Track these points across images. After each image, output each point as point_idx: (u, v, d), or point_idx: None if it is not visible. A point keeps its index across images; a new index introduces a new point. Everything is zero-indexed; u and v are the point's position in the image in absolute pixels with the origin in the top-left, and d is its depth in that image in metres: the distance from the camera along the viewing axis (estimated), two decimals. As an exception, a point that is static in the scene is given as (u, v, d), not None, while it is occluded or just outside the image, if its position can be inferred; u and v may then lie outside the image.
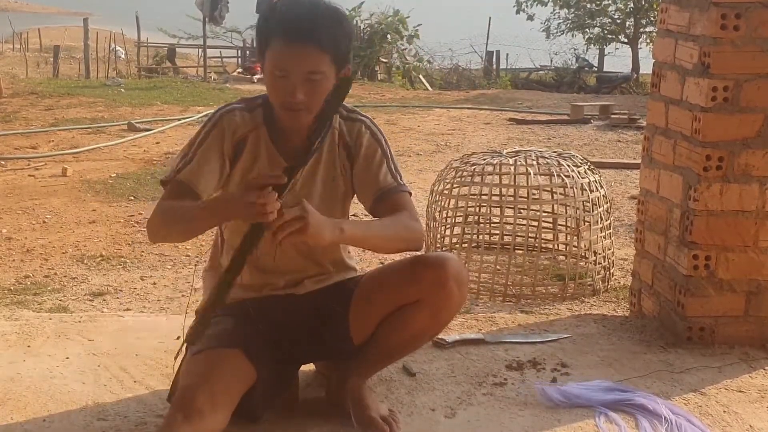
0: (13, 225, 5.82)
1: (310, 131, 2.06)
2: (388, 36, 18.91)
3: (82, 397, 2.43)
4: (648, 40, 21.66)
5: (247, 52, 22.30)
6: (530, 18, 23.61)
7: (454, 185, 4.57)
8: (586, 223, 4.42)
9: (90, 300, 4.38)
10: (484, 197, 4.66)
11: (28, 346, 2.79)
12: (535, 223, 4.57)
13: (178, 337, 2.66)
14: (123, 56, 22.99)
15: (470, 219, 4.84)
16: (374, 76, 18.27)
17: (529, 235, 4.47)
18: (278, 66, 2.12)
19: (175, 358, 2.17)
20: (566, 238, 4.57)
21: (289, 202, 2.01)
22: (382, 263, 4.20)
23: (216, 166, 2.23)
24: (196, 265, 4.79)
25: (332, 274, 2.39)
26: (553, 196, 4.67)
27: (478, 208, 4.74)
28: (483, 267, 4.49)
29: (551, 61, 23.20)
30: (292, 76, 2.11)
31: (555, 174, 4.43)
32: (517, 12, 23.69)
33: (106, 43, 22.68)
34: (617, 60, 23.46)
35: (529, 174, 4.46)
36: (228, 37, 23.22)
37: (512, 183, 4.57)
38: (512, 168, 4.55)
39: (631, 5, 22.15)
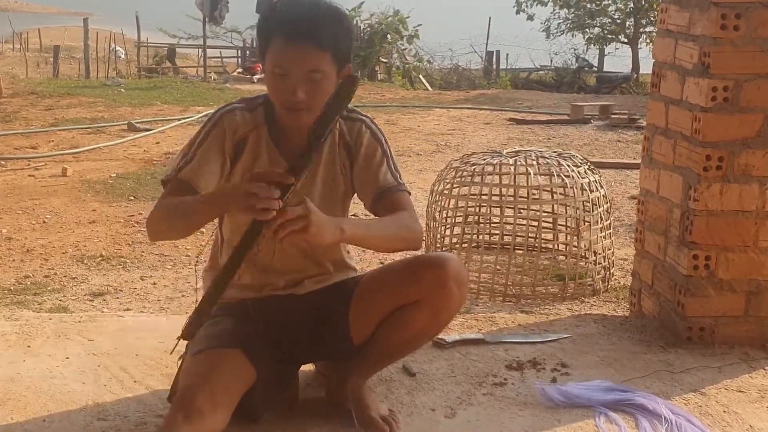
0: (13, 225, 5.83)
1: (312, 131, 2.05)
2: (388, 36, 18.92)
3: (82, 397, 2.43)
4: (648, 40, 21.67)
5: (247, 52, 22.33)
6: (530, 18, 23.62)
7: (454, 185, 4.57)
8: (586, 223, 4.43)
9: (90, 300, 4.38)
10: (484, 197, 4.66)
11: (28, 346, 2.79)
12: (535, 223, 4.57)
13: (178, 338, 2.67)
14: (123, 56, 23.00)
15: (470, 219, 4.85)
16: (374, 76, 18.28)
17: (529, 235, 4.47)
18: (279, 65, 2.12)
19: (176, 356, 2.17)
20: (566, 238, 4.58)
21: (290, 201, 2.01)
22: (382, 263, 4.20)
23: (216, 165, 2.23)
24: (196, 265, 4.79)
25: (332, 274, 2.39)
26: (553, 196, 4.68)
27: (478, 208, 4.74)
28: (483, 267, 4.49)
29: (551, 61, 23.22)
30: (293, 75, 2.12)
31: (555, 174, 4.43)
32: (517, 12, 23.70)
33: (106, 43, 22.69)
34: (617, 60, 23.47)
35: (529, 174, 4.47)
36: (228, 37, 23.24)
37: (512, 183, 4.57)
38: (512, 168, 4.55)
39: (631, 5, 22.16)
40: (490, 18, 23.25)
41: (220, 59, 22.95)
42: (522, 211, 4.53)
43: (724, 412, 2.47)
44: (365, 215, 2.46)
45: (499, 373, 2.67)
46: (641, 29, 22.33)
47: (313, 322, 2.34)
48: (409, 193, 2.33)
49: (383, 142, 2.32)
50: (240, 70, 19.97)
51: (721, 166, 2.82)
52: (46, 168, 7.80)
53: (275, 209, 1.92)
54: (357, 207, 2.50)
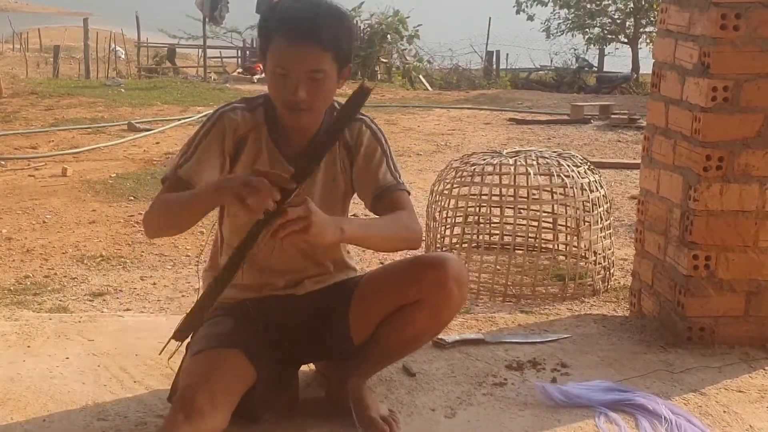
0: (13, 225, 5.82)
1: (319, 139, 2.01)
2: (388, 36, 18.91)
3: (82, 397, 2.43)
4: (648, 40, 21.67)
5: (247, 52, 22.34)
6: (530, 18, 23.62)
7: (454, 185, 4.57)
8: (586, 223, 4.43)
9: (90, 300, 4.38)
10: (484, 197, 4.66)
11: (28, 346, 2.79)
12: (535, 223, 4.57)
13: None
14: (123, 56, 23.00)
15: (470, 219, 4.85)
16: (374, 76, 18.26)
17: (529, 235, 4.47)
18: (280, 64, 2.12)
19: (168, 356, 2.17)
20: (566, 238, 4.58)
21: (291, 201, 2.01)
22: (382, 263, 4.20)
23: (216, 163, 2.22)
24: (196, 265, 4.79)
25: (332, 274, 2.40)
26: (553, 196, 4.67)
27: (478, 208, 4.74)
28: (483, 267, 4.49)
29: (551, 61, 23.22)
30: (294, 75, 2.12)
31: (555, 174, 4.43)
32: (517, 12, 23.70)
33: (106, 43, 22.69)
34: (617, 60, 23.47)
35: (529, 174, 4.47)
36: (228, 37, 23.24)
37: (512, 183, 4.57)
38: (512, 168, 4.55)
39: (631, 5, 22.16)
40: (490, 18, 23.25)
41: (220, 59, 22.96)
42: (522, 211, 4.53)
43: (724, 412, 2.48)
44: (365, 215, 2.46)
45: (499, 373, 2.67)
46: (641, 29, 22.33)
47: (313, 322, 2.34)
48: (409, 193, 2.33)
49: (383, 141, 2.32)
50: (240, 70, 19.97)
51: (721, 166, 2.82)
52: (46, 168, 7.80)
53: (268, 207, 1.90)
54: (357, 207, 2.50)
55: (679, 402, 2.51)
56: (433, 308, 2.25)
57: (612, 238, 4.57)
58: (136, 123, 10.02)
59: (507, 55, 23.59)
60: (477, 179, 4.51)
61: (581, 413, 2.42)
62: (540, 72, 22.96)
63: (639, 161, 3.53)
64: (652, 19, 21.14)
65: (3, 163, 7.94)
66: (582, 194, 4.37)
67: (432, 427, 2.33)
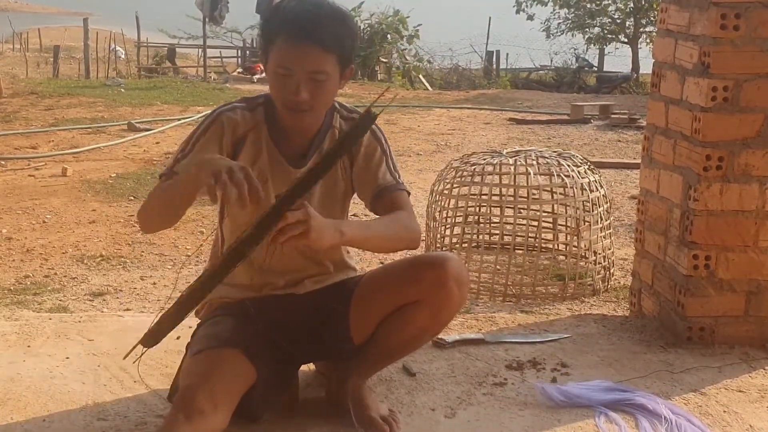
0: (13, 225, 5.82)
1: (320, 161, 1.97)
2: (388, 36, 18.92)
3: (82, 397, 2.43)
4: (648, 40, 21.68)
5: (247, 52, 22.33)
6: (530, 18, 23.62)
7: (454, 185, 4.57)
8: (586, 223, 4.43)
9: (90, 300, 4.38)
10: (484, 197, 4.66)
11: (28, 346, 2.79)
12: (535, 223, 4.58)
13: (178, 338, 2.66)
14: (123, 56, 23.00)
15: (470, 219, 4.85)
16: (374, 76, 18.28)
17: (529, 235, 4.47)
18: (282, 65, 2.12)
19: (174, 356, 2.16)
20: (566, 238, 4.58)
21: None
22: (382, 263, 4.20)
23: None
24: (197, 265, 4.79)
25: (332, 273, 2.40)
26: (553, 196, 4.68)
27: (478, 208, 4.74)
28: (483, 267, 4.49)
29: (551, 61, 23.23)
30: (296, 75, 2.11)
31: (555, 174, 4.43)
32: (517, 12, 23.71)
33: (106, 43, 22.69)
34: (617, 60, 23.47)
35: (529, 174, 4.47)
36: (228, 37, 23.23)
37: (512, 183, 4.57)
38: (512, 168, 4.55)
39: (631, 5, 22.16)
40: (490, 18, 23.26)
41: (220, 59, 22.95)
42: (522, 211, 4.53)
43: (724, 411, 2.48)
44: (365, 215, 2.46)
45: (499, 373, 2.67)
46: (641, 29, 22.34)
47: (313, 321, 2.34)
48: (409, 193, 2.33)
49: (383, 141, 2.32)
50: (240, 70, 19.97)
51: (721, 166, 2.82)
52: (46, 168, 7.80)
53: (238, 192, 1.86)
54: (357, 207, 2.50)
55: (679, 402, 2.51)
56: (433, 308, 2.25)
57: (612, 238, 4.57)
58: (136, 123, 10.01)
59: (507, 54, 23.60)
60: (477, 179, 4.51)
61: (581, 413, 2.42)
62: (540, 72, 22.96)
63: (639, 161, 3.53)
64: (652, 18, 21.14)
65: (3, 163, 7.94)
66: (582, 194, 4.37)
67: (432, 427, 2.33)
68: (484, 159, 4.62)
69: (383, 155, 2.31)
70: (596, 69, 22.73)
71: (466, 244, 4.73)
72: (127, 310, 4.17)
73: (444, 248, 4.65)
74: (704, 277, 2.89)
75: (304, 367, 2.47)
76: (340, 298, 2.34)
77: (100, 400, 2.42)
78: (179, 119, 10.41)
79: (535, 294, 4.32)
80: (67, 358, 2.70)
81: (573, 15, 23.23)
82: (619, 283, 4.54)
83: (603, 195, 4.48)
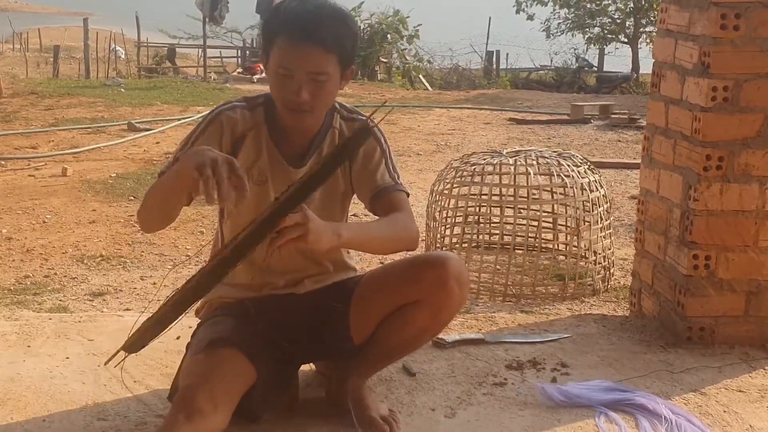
0: (13, 225, 5.82)
1: (312, 174, 1.93)
2: (388, 36, 18.92)
3: (82, 397, 2.43)
4: (648, 40, 21.68)
5: (247, 52, 22.33)
6: (530, 18, 23.62)
7: (454, 185, 4.57)
8: (586, 223, 4.43)
9: (90, 300, 4.38)
10: (484, 197, 4.66)
11: (28, 346, 2.79)
12: (535, 223, 4.58)
13: (178, 338, 2.66)
14: (123, 56, 23.00)
15: (470, 219, 4.85)
16: (374, 76, 18.28)
17: (529, 235, 4.47)
18: (283, 65, 2.12)
19: (175, 356, 2.16)
20: (566, 238, 4.58)
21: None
22: (382, 263, 4.20)
23: None
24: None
25: (332, 273, 2.40)
26: (553, 196, 4.68)
27: (478, 208, 4.74)
28: (483, 267, 4.49)
29: (551, 61, 23.23)
30: (297, 76, 2.11)
31: (555, 174, 4.43)
32: (517, 12, 23.70)
33: (106, 43, 22.69)
34: (617, 60, 23.47)
35: (529, 174, 4.47)
36: (228, 37, 23.23)
37: (512, 183, 4.57)
38: (512, 168, 4.55)
39: (631, 5, 22.16)
40: (490, 18, 23.26)
41: (220, 59, 22.95)
42: (522, 211, 4.53)
43: (724, 411, 2.48)
44: (365, 215, 2.46)
45: (499, 373, 2.67)
46: (641, 29, 22.34)
47: (313, 321, 2.34)
48: (408, 194, 2.32)
49: (382, 142, 2.32)
50: (240, 70, 19.97)
51: (721, 166, 2.82)
52: (46, 168, 7.80)
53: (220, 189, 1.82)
54: (357, 207, 2.50)
55: (679, 402, 2.51)
56: (433, 308, 2.25)
57: (612, 238, 4.57)
58: (136, 123, 10.01)
59: (507, 54, 23.60)
60: (477, 179, 4.51)
61: (581, 413, 2.42)
62: (540, 72, 22.96)
63: (639, 161, 3.53)
64: (652, 18, 21.14)
65: (3, 163, 7.94)
66: (582, 194, 4.37)
67: (432, 427, 2.33)
68: (484, 159, 4.62)
69: (382, 156, 2.31)
70: (596, 69, 22.73)
71: (466, 244, 4.73)
72: (127, 310, 4.17)
73: (444, 248, 4.64)
74: (704, 277, 2.89)
75: (304, 367, 2.47)
76: (340, 297, 2.34)
77: (100, 400, 2.42)
78: (179, 119, 10.41)
79: (535, 294, 4.31)
80: (67, 358, 2.70)
81: (573, 15, 23.23)
82: (619, 283, 4.54)
83: (603, 195, 4.48)
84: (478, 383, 2.59)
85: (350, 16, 2.20)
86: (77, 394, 2.46)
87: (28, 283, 4.67)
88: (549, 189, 4.62)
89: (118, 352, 1.98)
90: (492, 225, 4.71)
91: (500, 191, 4.58)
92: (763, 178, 2.84)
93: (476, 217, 4.85)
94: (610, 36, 23.19)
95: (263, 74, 14.71)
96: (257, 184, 2.26)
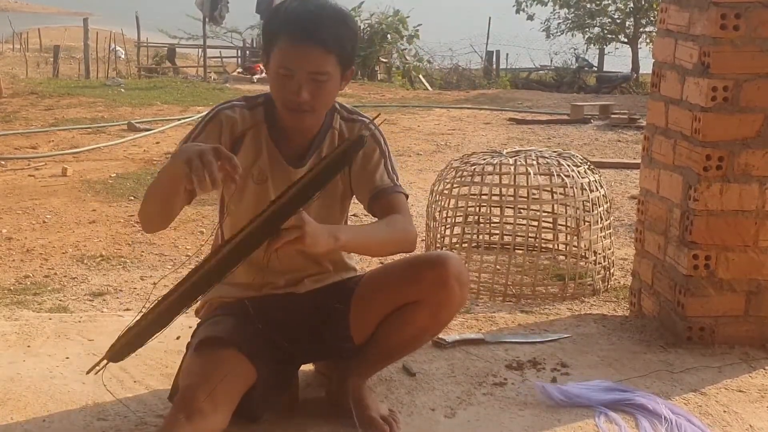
0: (13, 225, 5.82)
1: (306, 184, 1.92)
2: (388, 36, 18.92)
3: (82, 397, 2.43)
4: (648, 40, 21.68)
5: (247, 52, 22.33)
6: (530, 18, 23.63)
7: (454, 185, 4.57)
8: (586, 223, 4.43)
9: (90, 300, 4.38)
10: (484, 197, 4.66)
11: (28, 346, 2.79)
12: (535, 223, 4.58)
13: (178, 338, 2.67)
14: (123, 56, 23.00)
15: (470, 219, 4.85)
16: (374, 76, 18.28)
17: (529, 235, 4.47)
18: (283, 65, 2.12)
19: (175, 356, 2.16)
20: (566, 238, 4.58)
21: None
22: (381, 263, 4.20)
23: None
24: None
25: (332, 273, 2.40)
26: (553, 196, 4.68)
27: (478, 208, 4.74)
28: (483, 267, 4.49)
29: (551, 61, 23.23)
30: (297, 76, 2.12)
31: (555, 174, 4.43)
32: (517, 12, 23.71)
33: (106, 43, 22.69)
34: (617, 60, 23.47)
35: (529, 174, 4.47)
36: (228, 37, 23.24)
37: (512, 183, 4.57)
38: (512, 168, 4.56)
39: (631, 5, 22.16)
40: (490, 18, 23.26)
41: (220, 59, 22.95)
42: (522, 211, 4.53)
43: (724, 411, 2.48)
44: (365, 215, 2.46)
45: (499, 373, 2.67)
46: (641, 29, 22.34)
47: (313, 321, 2.34)
48: (407, 196, 2.32)
49: (382, 143, 2.32)
50: (240, 70, 19.97)
51: (721, 166, 2.82)
52: (46, 168, 7.80)
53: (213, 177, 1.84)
54: (357, 207, 2.50)
55: (679, 402, 2.51)
56: (433, 308, 2.25)
57: (612, 238, 4.57)
58: (136, 123, 10.01)
59: (507, 54, 23.60)
60: (477, 179, 4.51)
61: (581, 413, 2.42)
62: (540, 72, 22.97)
63: (639, 161, 3.53)
64: (652, 18, 21.14)
65: (3, 163, 7.94)
66: (582, 194, 4.37)
67: (432, 427, 2.33)
68: (484, 159, 4.62)
69: (382, 157, 2.31)
70: (596, 69, 22.73)
71: (466, 244, 4.73)
72: (127, 310, 4.17)
73: (444, 248, 4.64)
74: (704, 277, 2.89)
75: (304, 367, 2.47)
76: (340, 297, 2.34)
77: (100, 400, 2.41)
78: (179, 119, 10.41)
79: (535, 294, 4.31)
80: (67, 358, 2.70)
81: (573, 15, 23.23)
82: (619, 283, 4.54)
83: (603, 195, 4.48)
84: (478, 383, 2.59)
85: (350, 17, 2.21)
86: (77, 394, 2.46)
87: (28, 283, 4.67)
88: (549, 189, 4.62)
89: (101, 361, 1.98)
90: (492, 225, 4.71)
91: (500, 191, 4.59)
92: (763, 178, 2.84)
93: (476, 217, 4.85)
94: (610, 36, 23.19)
95: (263, 74, 14.72)
96: (257, 184, 2.26)
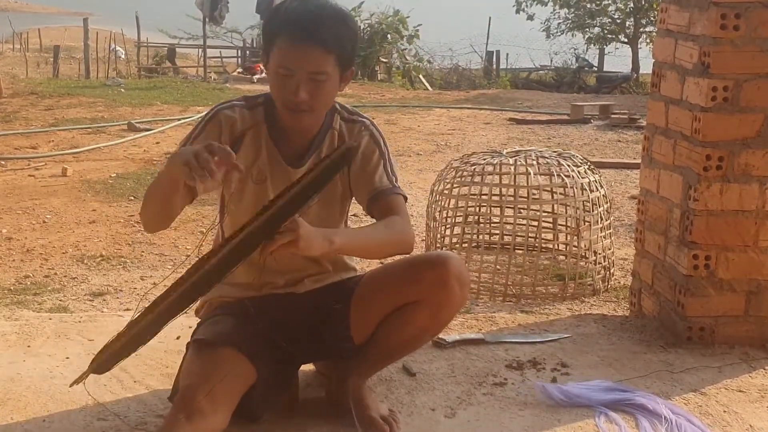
0: (13, 225, 5.82)
1: (297, 194, 1.92)
2: (388, 36, 18.92)
3: (82, 397, 2.43)
4: (648, 40, 21.68)
5: (247, 52, 22.33)
6: (530, 18, 23.63)
7: (454, 185, 4.57)
8: (586, 223, 4.43)
9: (90, 300, 4.38)
10: (484, 197, 4.66)
11: (28, 346, 2.79)
12: (535, 223, 4.58)
13: (178, 337, 2.67)
14: (123, 56, 23.00)
15: (470, 219, 4.85)
16: (374, 76, 18.28)
17: (529, 235, 4.47)
18: (283, 65, 2.13)
19: (176, 356, 2.16)
20: (566, 238, 4.58)
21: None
22: (382, 263, 4.20)
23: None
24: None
25: (332, 273, 2.40)
26: (553, 196, 4.68)
27: (478, 208, 4.74)
28: (483, 267, 4.49)
29: (551, 61, 23.23)
30: (297, 76, 2.12)
31: (555, 174, 4.43)
32: (517, 12, 23.71)
33: (106, 43, 22.69)
34: (617, 60, 23.47)
35: (529, 174, 4.47)
36: (228, 37, 23.24)
37: (512, 183, 4.57)
38: (512, 168, 4.55)
39: (631, 5, 22.16)
40: (490, 18, 23.26)
41: (220, 59, 22.96)
42: (522, 211, 4.53)
43: (724, 411, 2.48)
44: (366, 215, 2.46)
45: (499, 373, 2.67)
46: (641, 29, 22.34)
47: (313, 321, 2.34)
48: (406, 198, 2.31)
49: (382, 145, 2.32)
50: (240, 70, 19.97)
51: (721, 166, 2.82)
52: (46, 168, 7.80)
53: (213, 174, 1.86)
54: (358, 207, 2.50)
55: (679, 402, 2.51)
56: (433, 308, 2.25)
57: (612, 238, 4.57)
58: (136, 123, 10.01)
59: (507, 54, 23.60)
60: (477, 179, 4.51)
61: (581, 413, 2.42)
62: (540, 72, 22.96)
63: (639, 161, 3.53)
64: (652, 18, 21.14)
65: (3, 163, 7.94)
66: (582, 194, 4.37)
67: (432, 427, 2.33)
68: (484, 159, 4.62)
69: (381, 158, 2.31)
70: (596, 69, 22.73)
71: (466, 244, 4.73)
72: (127, 310, 4.16)
73: (444, 248, 4.64)
74: (704, 277, 2.89)
75: (304, 367, 2.47)
76: (340, 297, 2.35)
77: (100, 400, 2.41)
78: (179, 119, 10.41)
79: (535, 294, 4.31)
80: (67, 358, 2.70)
81: (573, 15, 23.23)
82: (619, 283, 4.54)
83: (603, 195, 4.48)
84: (478, 383, 2.59)
85: (350, 17, 2.21)
86: (77, 394, 2.45)
87: (28, 283, 4.67)
88: (549, 189, 4.62)
89: (85, 373, 1.98)
90: (492, 225, 4.71)
91: (500, 191, 4.58)
92: (763, 178, 2.84)
93: (476, 217, 4.85)
94: (610, 36, 23.19)
95: (263, 74, 14.72)
96: (256, 184, 2.27)
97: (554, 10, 23.56)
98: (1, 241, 5.43)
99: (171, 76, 19.02)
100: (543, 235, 4.71)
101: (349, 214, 2.44)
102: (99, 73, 19.83)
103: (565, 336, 2.99)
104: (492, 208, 4.66)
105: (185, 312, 1.94)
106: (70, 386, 2.05)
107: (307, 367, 2.53)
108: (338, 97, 2.29)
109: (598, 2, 22.70)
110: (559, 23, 23.71)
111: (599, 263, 4.44)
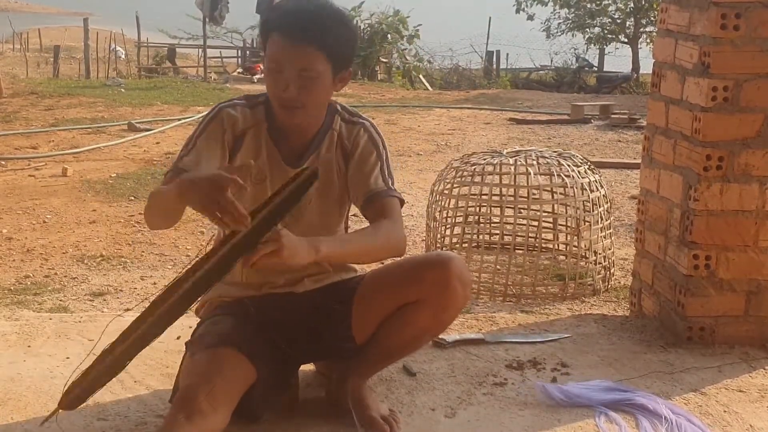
0: (13, 225, 5.82)
1: (270, 213, 1.94)
2: (388, 36, 18.92)
3: (82, 397, 2.43)
4: (648, 40, 21.68)
5: (247, 52, 22.33)
6: (530, 18, 23.63)
7: (455, 185, 4.57)
8: (586, 223, 4.43)
9: (90, 300, 4.38)
10: (484, 197, 4.66)
11: (28, 346, 2.79)
12: (535, 223, 4.58)
13: (178, 337, 2.67)
14: (123, 56, 23.00)
15: (470, 219, 4.85)
16: (374, 76, 18.28)
17: (529, 235, 4.47)
18: (273, 60, 2.15)
19: (176, 356, 2.16)
20: (566, 238, 4.58)
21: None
22: (382, 263, 4.20)
23: (216, 154, 2.22)
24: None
25: (331, 273, 2.39)
26: (553, 196, 4.68)
27: (478, 208, 4.74)
28: (483, 267, 4.49)
29: (551, 61, 23.23)
30: (286, 72, 2.13)
31: (555, 174, 4.43)
32: (517, 12, 23.71)
33: (106, 43, 22.70)
34: (617, 60, 23.47)
35: (530, 174, 4.47)
36: (228, 37, 23.24)
37: (512, 183, 4.57)
38: (512, 168, 4.56)
39: (631, 5, 22.16)
40: (490, 18, 23.26)
41: (220, 59, 22.96)
42: (522, 211, 4.53)
43: (725, 411, 2.48)
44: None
45: (499, 372, 2.67)
46: (641, 29, 22.34)
47: (312, 320, 2.34)
48: (401, 200, 2.31)
49: (380, 146, 2.32)
50: (240, 70, 19.98)
51: (721, 166, 2.82)
52: (46, 168, 7.80)
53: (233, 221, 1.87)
54: (357, 207, 2.50)
55: (679, 402, 2.51)
56: (435, 308, 2.25)
57: (612, 238, 4.57)
58: (136, 123, 10.01)
59: (507, 55, 23.60)
60: (477, 179, 4.52)
61: (581, 413, 2.42)
62: (540, 72, 22.97)
63: (639, 161, 3.53)
64: (652, 18, 21.14)
65: (3, 163, 7.94)
66: (582, 194, 4.37)
67: (432, 427, 2.33)
68: (484, 159, 4.62)
69: (378, 160, 2.31)
70: (596, 69, 22.73)
71: (466, 244, 4.74)
72: (128, 310, 4.15)
73: (444, 248, 4.65)
74: (704, 277, 2.89)
75: (304, 367, 2.47)
76: (341, 297, 2.34)
77: (100, 400, 2.41)
78: (179, 119, 10.41)
79: (535, 294, 4.32)
80: (68, 358, 2.70)
81: (573, 15, 23.23)
82: (619, 283, 4.54)
83: (603, 195, 4.48)
84: (478, 383, 2.59)
85: (347, 17, 2.22)
86: (77, 394, 2.45)
87: (29, 283, 4.67)
88: (549, 189, 4.62)
89: (55, 410, 1.95)
90: (492, 225, 4.71)
91: (500, 191, 4.59)
92: (763, 178, 2.84)
93: (476, 217, 4.85)
94: (610, 36, 23.19)
95: (263, 74, 14.70)
96: (256, 183, 2.26)
97: (554, 10, 23.57)
98: (2, 241, 5.44)
99: (171, 76, 19.02)
100: (543, 235, 4.71)
101: (348, 216, 2.44)
102: (99, 73, 19.83)
103: (565, 336, 2.99)
104: (492, 208, 4.66)
105: (161, 334, 1.93)
106: (41, 425, 2.03)
107: (307, 367, 2.53)
108: (337, 97, 2.30)
109: (598, 2, 22.70)
110: (559, 23, 23.71)
111: (599, 263, 4.45)
